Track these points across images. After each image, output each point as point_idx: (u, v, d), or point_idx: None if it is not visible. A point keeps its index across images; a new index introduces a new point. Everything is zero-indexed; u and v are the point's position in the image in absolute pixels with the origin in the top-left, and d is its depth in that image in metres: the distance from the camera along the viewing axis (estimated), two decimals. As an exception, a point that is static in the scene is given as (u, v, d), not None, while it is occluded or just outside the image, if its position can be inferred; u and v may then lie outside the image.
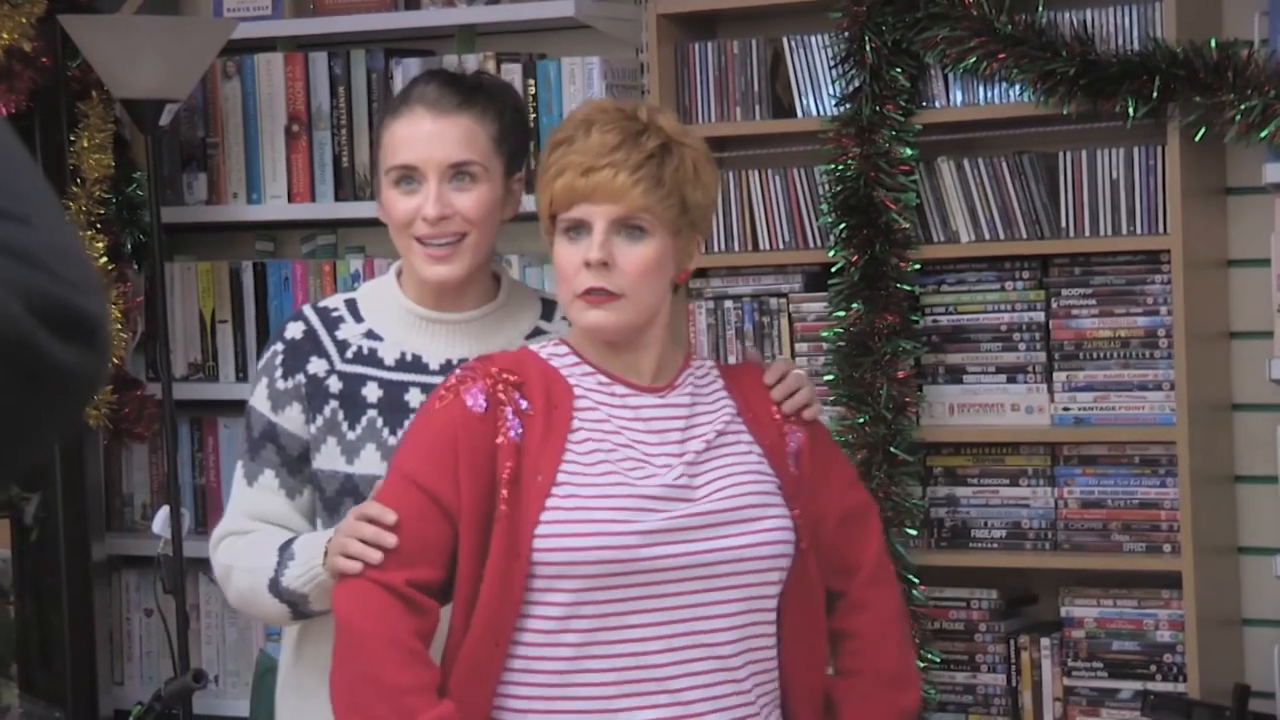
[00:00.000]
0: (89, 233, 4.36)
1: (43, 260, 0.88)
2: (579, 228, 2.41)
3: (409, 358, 2.70)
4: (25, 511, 4.51)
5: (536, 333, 2.73)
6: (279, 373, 2.69)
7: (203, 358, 4.59)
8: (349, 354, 2.70)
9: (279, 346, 2.71)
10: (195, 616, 4.55)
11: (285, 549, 2.63)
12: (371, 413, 2.68)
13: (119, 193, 4.49)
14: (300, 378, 2.68)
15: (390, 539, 2.40)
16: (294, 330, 2.71)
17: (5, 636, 4.53)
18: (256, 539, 2.68)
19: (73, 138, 4.40)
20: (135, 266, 4.56)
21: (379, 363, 2.69)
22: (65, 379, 0.87)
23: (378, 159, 2.72)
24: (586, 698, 2.37)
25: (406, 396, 2.68)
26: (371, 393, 2.69)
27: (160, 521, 3.95)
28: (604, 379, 2.46)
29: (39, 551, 4.52)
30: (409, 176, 2.65)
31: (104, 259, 4.38)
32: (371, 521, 2.42)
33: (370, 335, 2.71)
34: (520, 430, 2.40)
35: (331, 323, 2.72)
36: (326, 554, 2.52)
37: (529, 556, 2.36)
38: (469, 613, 2.39)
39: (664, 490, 2.40)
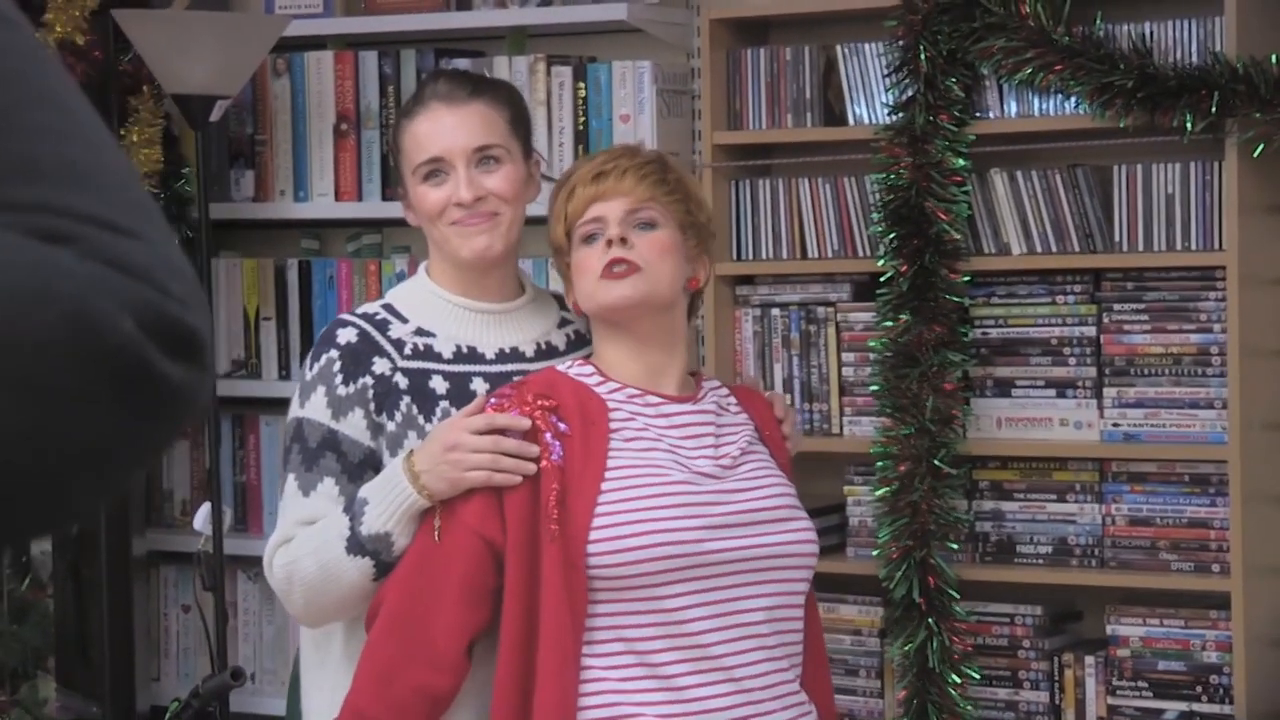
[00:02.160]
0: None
1: (152, 275, 0.88)
2: (594, 230, 2.61)
3: (464, 349, 2.75)
4: (66, 505, 4.50)
5: (564, 322, 2.84)
6: (338, 379, 2.68)
7: (246, 355, 4.58)
8: (407, 350, 2.72)
9: (333, 354, 2.70)
10: (233, 614, 4.54)
11: (350, 507, 2.63)
12: (444, 403, 2.71)
13: (167, 188, 4.48)
14: (366, 379, 2.69)
15: (534, 449, 2.52)
16: (346, 335, 2.71)
17: (43, 630, 4.52)
18: (309, 529, 2.67)
19: (122, 132, 4.39)
20: (182, 262, 4.55)
21: (437, 357, 2.73)
22: (173, 397, 0.86)
23: (399, 165, 2.81)
24: (659, 689, 2.50)
25: (471, 386, 2.73)
26: (439, 385, 2.72)
27: (201, 518, 3.95)
28: (634, 391, 2.61)
29: (79, 546, 4.51)
30: (437, 170, 2.73)
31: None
32: (501, 432, 2.54)
33: (421, 332, 2.74)
34: (561, 452, 2.52)
35: (379, 325, 2.74)
36: (415, 479, 2.56)
37: (585, 568, 2.47)
38: (525, 627, 2.48)
39: (705, 493, 2.55)
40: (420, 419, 2.68)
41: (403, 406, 2.68)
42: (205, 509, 3.98)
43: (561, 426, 2.54)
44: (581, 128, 4.20)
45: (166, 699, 4.23)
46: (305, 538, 2.65)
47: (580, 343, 2.81)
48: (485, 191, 2.71)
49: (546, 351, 2.79)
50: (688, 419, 2.62)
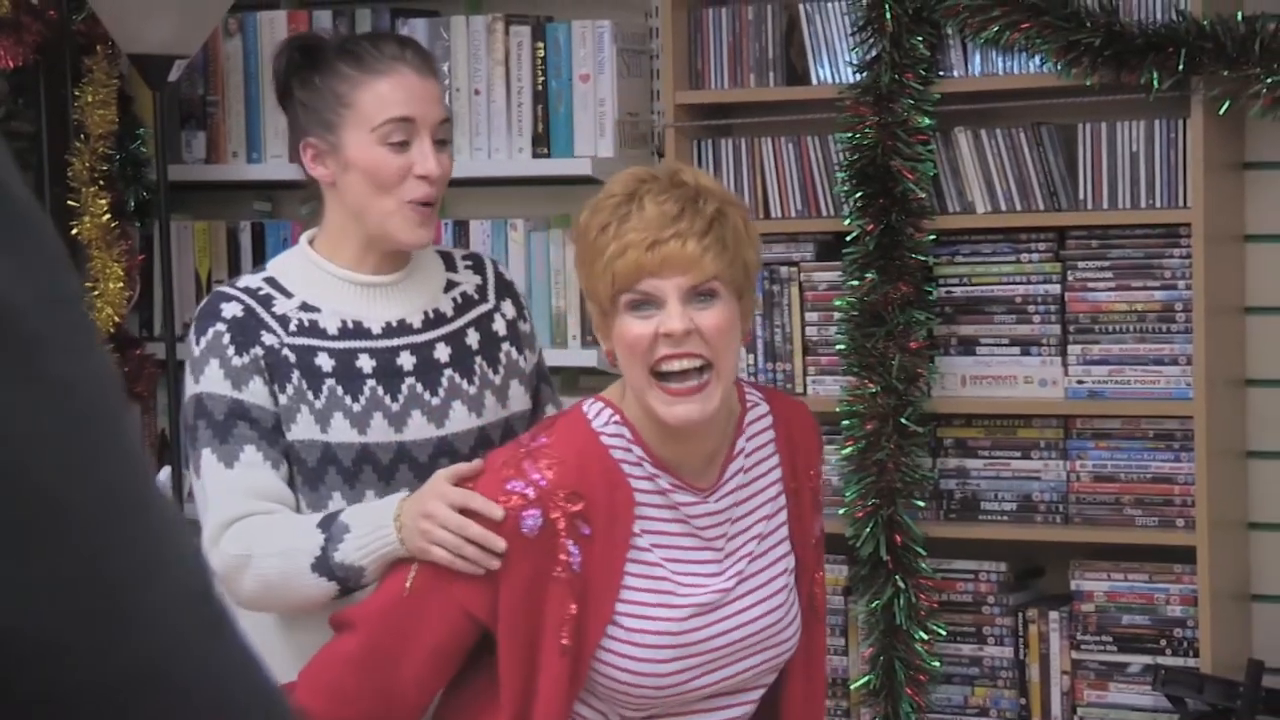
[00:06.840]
0: (93, 189, 4.31)
1: None
2: (647, 303, 2.37)
3: (350, 324, 2.67)
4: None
5: (450, 285, 2.74)
6: (230, 351, 2.61)
7: (199, 318, 4.53)
8: (291, 327, 2.65)
9: (220, 327, 2.62)
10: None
11: (330, 524, 2.54)
12: (329, 381, 2.64)
13: (123, 150, 4.43)
14: (257, 350, 2.62)
15: (500, 544, 2.39)
16: (231, 309, 2.63)
17: None
18: (274, 522, 2.58)
19: (77, 93, 4.34)
20: (138, 224, 4.50)
21: (322, 333, 2.66)
22: None
23: (330, 118, 2.65)
24: None
25: (358, 363, 2.66)
26: (324, 362, 2.65)
27: (161, 482, 3.91)
28: (665, 485, 2.45)
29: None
30: (400, 133, 2.62)
31: (107, 216, 4.32)
32: (472, 516, 2.41)
33: (305, 308, 2.66)
34: (580, 559, 2.40)
35: (263, 300, 2.66)
36: (399, 528, 2.48)
37: (587, 683, 2.43)
38: (522, 700, 2.41)
39: (698, 630, 2.47)
40: (310, 395, 2.63)
41: (294, 379, 2.63)
42: (165, 473, 3.94)
43: (585, 531, 2.40)
44: (540, 88, 4.18)
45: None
46: (266, 534, 2.57)
47: (468, 305, 2.75)
48: (443, 172, 2.65)
49: (434, 320, 2.72)
50: (704, 521, 2.47)
